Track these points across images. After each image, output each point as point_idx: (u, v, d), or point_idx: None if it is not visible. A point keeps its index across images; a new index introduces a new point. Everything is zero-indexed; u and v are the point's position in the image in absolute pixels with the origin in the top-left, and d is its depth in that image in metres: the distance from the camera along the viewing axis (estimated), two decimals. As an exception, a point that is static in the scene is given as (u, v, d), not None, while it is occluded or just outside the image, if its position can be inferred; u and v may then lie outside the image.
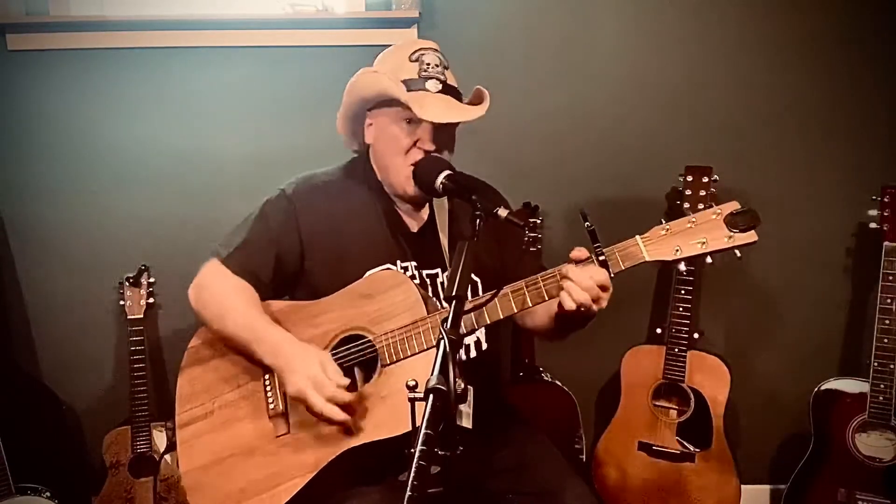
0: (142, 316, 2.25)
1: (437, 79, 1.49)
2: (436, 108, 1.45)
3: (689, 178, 2.17)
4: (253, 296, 1.53)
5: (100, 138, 2.33)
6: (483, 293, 1.53)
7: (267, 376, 1.51)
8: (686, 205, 2.16)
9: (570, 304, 1.30)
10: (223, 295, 1.53)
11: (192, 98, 2.34)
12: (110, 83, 2.31)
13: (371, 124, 1.58)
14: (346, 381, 1.38)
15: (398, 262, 1.56)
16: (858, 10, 2.35)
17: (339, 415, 1.36)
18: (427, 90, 1.48)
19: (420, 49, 1.52)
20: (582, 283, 1.29)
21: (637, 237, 1.34)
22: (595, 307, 1.31)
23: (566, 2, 2.35)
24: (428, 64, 1.50)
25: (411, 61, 1.50)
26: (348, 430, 1.39)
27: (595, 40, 2.38)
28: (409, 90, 1.47)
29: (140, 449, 2.24)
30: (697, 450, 2.22)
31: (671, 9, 2.36)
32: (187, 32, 2.29)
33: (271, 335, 1.46)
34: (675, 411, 2.27)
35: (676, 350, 2.22)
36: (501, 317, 1.38)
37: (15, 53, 2.27)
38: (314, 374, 1.37)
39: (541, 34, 2.36)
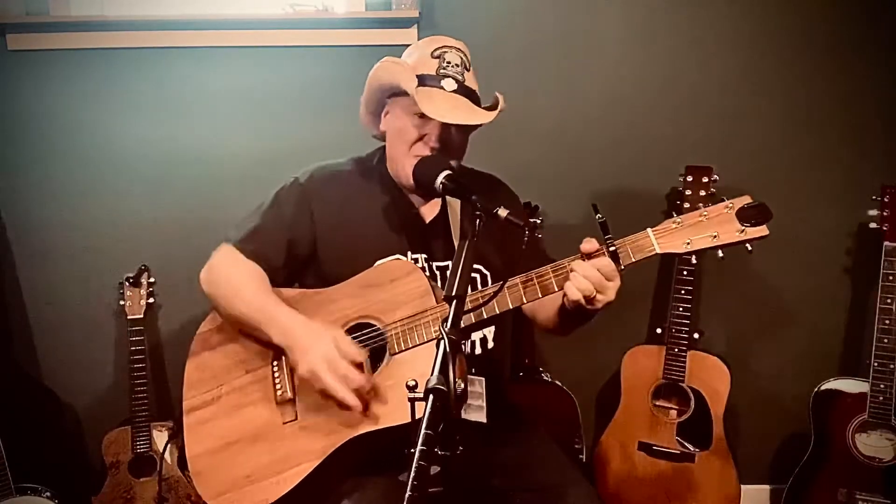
0: (142, 316, 2.25)
1: (455, 78, 1.49)
2: (442, 106, 1.45)
3: (689, 178, 2.17)
4: (264, 279, 1.54)
5: (100, 138, 2.33)
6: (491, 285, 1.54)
7: (275, 362, 1.51)
8: (686, 205, 2.16)
9: (573, 294, 1.30)
10: (235, 276, 1.54)
11: (192, 98, 2.34)
12: (110, 83, 2.31)
13: (388, 113, 1.59)
14: (363, 354, 1.37)
15: (409, 253, 1.56)
16: (858, 11, 2.34)
17: (351, 398, 1.34)
18: (441, 88, 1.48)
19: (443, 46, 1.52)
20: (585, 271, 1.29)
21: (648, 229, 1.34)
22: (601, 297, 1.30)
23: (566, 2, 2.35)
24: (448, 62, 1.49)
25: (433, 57, 1.50)
26: (355, 417, 1.39)
27: (595, 40, 2.38)
28: (423, 85, 1.46)
29: (140, 449, 2.24)
30: (697, 450, 2.22)
31: (671, 9, 2.36)
32: (187, 32, 2.29)
33: (282, 315, 1.46)
34: (675, 411, 2.27)
35: (676, 350, 2.22)
36: (511, 306, 1.38)
37: (15, 53, 2.27)
38: (327, 353, 1.35)
39: (541, 34, 2.36)
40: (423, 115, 1.48)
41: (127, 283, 2.26)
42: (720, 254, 1.35)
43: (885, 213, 2.11)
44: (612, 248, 1.31)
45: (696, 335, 2.21)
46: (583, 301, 1.30)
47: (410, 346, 1.41)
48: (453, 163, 1.51)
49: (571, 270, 1.32)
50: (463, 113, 1.47)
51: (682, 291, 2.21)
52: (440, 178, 1.39)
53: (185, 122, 2.35)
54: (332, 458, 1.41)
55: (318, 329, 1.42)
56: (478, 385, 1.45)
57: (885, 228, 2.11)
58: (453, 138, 1.52)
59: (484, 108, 1.54)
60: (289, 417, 1.47)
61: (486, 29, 2.34)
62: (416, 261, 1.55)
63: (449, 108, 1.45)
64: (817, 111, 2.39)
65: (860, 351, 2.41)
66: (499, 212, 1.26)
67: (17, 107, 2.30)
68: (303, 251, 1.59)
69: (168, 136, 2.34)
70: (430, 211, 1.63)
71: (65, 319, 2.40)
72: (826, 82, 2.38)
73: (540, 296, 1.37)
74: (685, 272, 2.20)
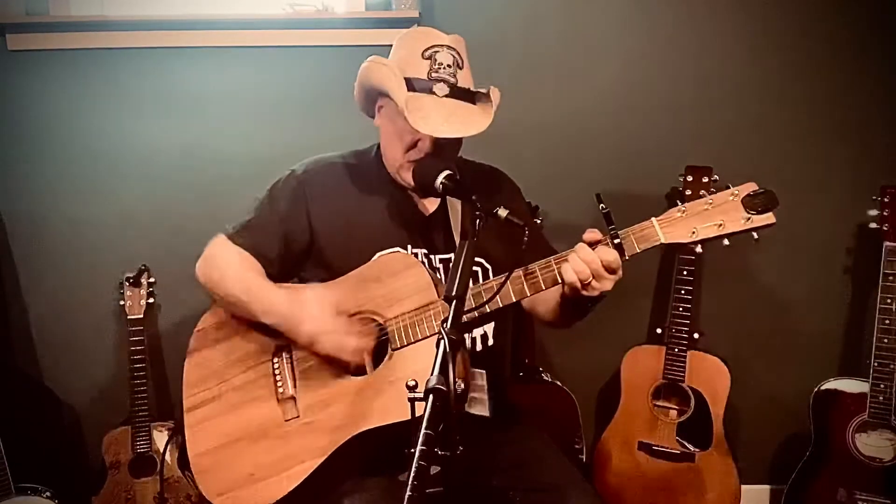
0: (142, 316, 2.25)
1: (447, 81, 1.43)
2: (433, 119, 1.39)
3: (689, 178, 2.17)
4: (255, 264, 1.54)
5: (100, 138, 2.33)
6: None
7: (275, 359, 1.51)
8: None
9: (569, 276, 1.28)
10: (225, 261, 1.54)
11: (192, 98, 2.34)
12: (110, 83, 2.31)
13: (381, 107, 1.56)
14: (348, 301, 1.41)
15: (409, 247, 1.56)
16: (858, 11, 2.35)
17: (354, 346, 1.39)
18: (433, 93, 1.42)
19: (435, 46, 1.44)
20: (584, 255, 1.28)
21: (653, 219, 1.31)
22: (596, 284, 1.29)
23: (566, 2, 2.36)
24: (440, 63, 1.43)
25: (423, 58, 1.44)
26: (359, 413, 1.39)
27: (595, 40, 2.38)
28: (413, 89, 1.42)
29: (140, 449, 2.24)
30: (697, 450, 2.22)
31: (671, 9, 2.36)
32: (187, 32, 2.29)
33: (265, 292, 1.47)
34: (675, 411, 2.26)
35: (676, 350, 2.22)
36: (514, 299, 1.38)
37: (15, 53, 2.27)
38: (316, 314, 1.39)
39: (541, 34, 2.36)
40: None
41: (127, 283, 2.26)
42: (726, 241, 1.30)
43: (885, 213, 2.10)
44: (616, 241, 1.29)
45: (696, 335, 2.21)
46: (578, 285, 1.28)
47: (413, 340, 1.41)
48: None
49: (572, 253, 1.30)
50: (456, 124, 1.41)
51: (682, 291, 2.21)
52: (440, 179, 1.38)
53: (185, 122, 2.34)
54: (333, 457, 1.40)
55: (300, 297, 1.42)
56: (479, 378, 1.44)
57: (885, 228, 2.10)
58: (449, 145, 1.49)
59: (479, 105, 1.49)
60: (291, 415, 1.46)
61: (487, 29, 2.34)
62: (415, 255, 1.54)
63: (441, 121, 1.40)
64: (817, 111, 2.39)
65: (860, 351, 2.40)
66: (499, 212, 1.26)
67: (17, 107, 2.30)
68: (298, 244, 1.58)
69: (168, 135, 2.34)
70: (429, 204, 1.61)
71: (65, 319, 2.40)
72: (826, 82, 2.38)
73: (543, 287, 1.35)
74: (685, 272, 2.20)
